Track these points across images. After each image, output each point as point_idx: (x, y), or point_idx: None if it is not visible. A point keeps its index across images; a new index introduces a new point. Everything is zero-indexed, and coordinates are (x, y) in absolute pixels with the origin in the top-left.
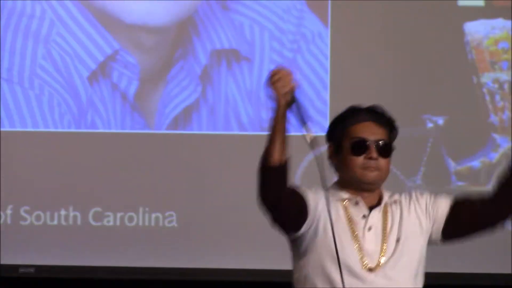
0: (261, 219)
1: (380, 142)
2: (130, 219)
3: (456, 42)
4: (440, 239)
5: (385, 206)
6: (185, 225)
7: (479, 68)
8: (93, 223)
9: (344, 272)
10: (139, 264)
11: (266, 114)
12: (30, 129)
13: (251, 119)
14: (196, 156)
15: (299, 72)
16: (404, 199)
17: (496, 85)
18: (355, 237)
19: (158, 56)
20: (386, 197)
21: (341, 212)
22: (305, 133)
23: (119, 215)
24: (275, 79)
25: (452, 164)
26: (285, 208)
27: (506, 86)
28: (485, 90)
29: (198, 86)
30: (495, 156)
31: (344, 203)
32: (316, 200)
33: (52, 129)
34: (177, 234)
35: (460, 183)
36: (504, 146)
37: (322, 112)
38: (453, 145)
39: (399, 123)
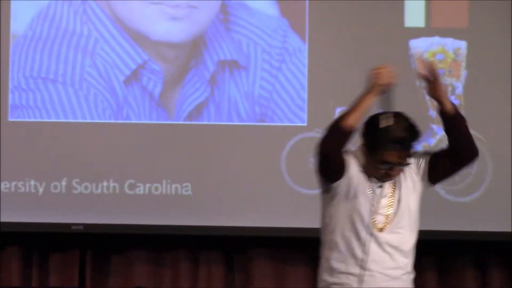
0: (254, 188)
1: (403, 163)
2: (156, 189)
3: (403, 55)
4: (430, 184)
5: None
6: (198, 193)
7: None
8: (128, 191)
9: (364, 227)
10: (163, 223)
11: (258, 109)
12: (80, 120)
13: (247, 113)
14: (206, 141)
15: (283, 77)
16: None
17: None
18: (372, 202)
19: (177, 65)
20: None
21: (365, 179)
22: (382, 120)
23: (147, 185)
24: (378, 71)
25: None
26: (334, 161)
27: (449, 89)
28: (425, 91)
29: (207, 88)
30: (433, 141)
31: (365, 174)
32: (351, 165)
33: (96, 120)
34: (192, 200)
35: None
36: (440, 134)
37: (301, 108)
38: None
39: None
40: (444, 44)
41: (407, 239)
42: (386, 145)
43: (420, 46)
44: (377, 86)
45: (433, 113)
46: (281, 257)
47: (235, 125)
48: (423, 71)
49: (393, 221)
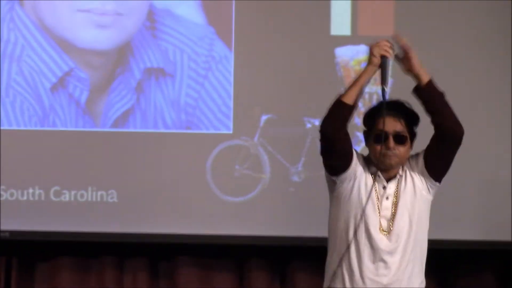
0: (179, 196)
1: (398, 133)
2: (81, 195)
3: (329, 63)
4: (435, 182)
5: (399, 178)
6: (123, 200)
7: (346, 82)
8: (53, 198)
9: (363, 230)
10: (89, 229)
11: (184, 117)
12: (6, 127)
13: (173, 120)
14: (132, 148)
15: (209, 85)
16: (406, 169)
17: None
18: (377, 203)
19: (103, 72)
20: (400, 170)
21: (370, 180)
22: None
23: (73, 192)
24: (376, 44)
25: None
26: (337, 142)
27: (367, 96)
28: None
29: (133, 95)
30: (358, 149)
31: (371, 175)
32: (358, 161)
33: (22, 128)
34: (117, 207)
35: None
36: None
37: (227, 116)
38: None
39: (287, 124)
40: None
41: (408, 245)
42: (377, 114)
43: (346, 54)
44: (374, 57)
45: (358, 120)
46: (206, 264)
47: (161, 132)
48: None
49: (394, 226)
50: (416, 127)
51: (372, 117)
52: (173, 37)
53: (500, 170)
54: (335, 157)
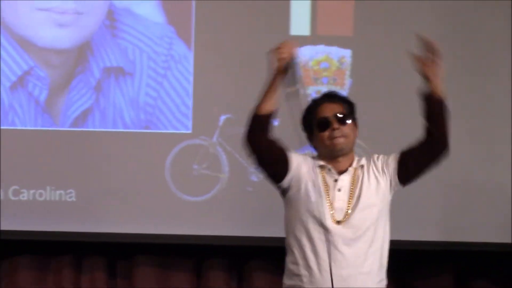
0: (138, 195)
1: (337, 114)
2: (40, 195)
3: None
4: (400, 185)
5: (353, 170)
6: (82, 199)
7: (305, 82)
8: (12, 197)
9: (317, 225)
10: (47, 229)
11: (144, 116)
12: None
13: (132, 120)
14: (91, 147)
15: (169, 84)
16: (367, 163)
17: (318, 95)
18: (327, 196)
19: (63, 71)
20: (354, 163)
21: (319, 176)
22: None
23: (32, 192)
24: (277, 48)
25: None
26: (265, 152)
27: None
28: (309, 99)
29: (93, 95)
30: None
31: (320, 170)
32: (300, 163)
33: None
34: (76, 206)
35: None
36: None
37: (186, 115)
38: (285, 141)
39: (245, 124)
40: (329, 52)
41: (366, 239)
42: (314, 105)
43: (305, 54)
44: (279, 63)
45: None
46: (164, 264)
47: (120, 131)
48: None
49: (351, 217)
50: (355, 113)
51: (308, 116)
52: (133, 36)
53: (463, 172)
54: (270, 167)
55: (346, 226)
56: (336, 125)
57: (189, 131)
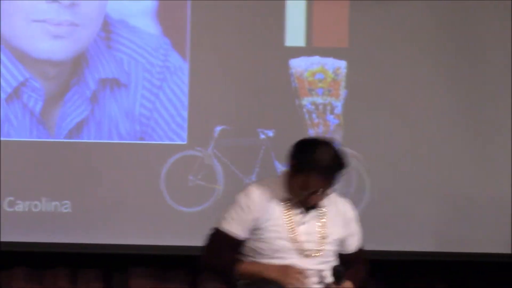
0: (134, 206)
1: (325, 191)
2: (35, 206)
3: (283, 73)
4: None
5: (320, 206)
6: (77, 211)
7: (300, 93)
8: (7, 209)
9: (275, 255)
10: (42, 240)
11: (139, 127)
12: None
13: (128, 131)
14: (86, 159)
15: (164, 96)
16: (339, 201)
17: (313, 106)
18: (291, 231)
19: (58, 83)
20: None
21: (282, 208)
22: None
23: (27, 203)
24: (286, 274)
25: (279, 166)
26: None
27: (321, 107)
28: (305, 110)
29: (88, 106)
30: None
31: (285, 202)
32: (259, 212)
33: None
34: (71, 218)
35: None
36: None
37: (182, 126)
38: (280, 152)
39: (241, 135)
40: (324, 63)
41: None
42: (310, 171)
43: (300, 65)
44: (285, 282)
45: (312, 132)
46: (160, 275)
47: (115, 143)
48: None
49: (316, 249)
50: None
51: (301, 165)
52: (128, 47)
53: (458, 182)
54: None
55: (312, 261)
56: (316, 198)
57: (185, 142)
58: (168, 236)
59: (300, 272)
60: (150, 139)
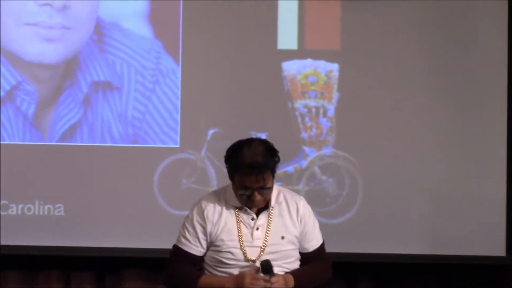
0: (127, 209)
1: (262, 187)
2: (29, 209)
3: (276, 76)
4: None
5: (272, 208)
6: (70, 214)
7: (293, 96)
8: (1, 212)
9: (233, 263)
10: (36, 243)
11: (131, 130)
12: None
13: (120, 134)
14: (79, 162)
15: (156, 99)
16: (290, 200)
17: (306, 109)
18: (244, 236)
19: (51, 86)
20: (273, 200)
21: (234, 216)
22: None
23: (20, 206)
24: (243, 280)
25: None
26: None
27: (314, 110)
28: (297, 113)
29: (81, 109)
30: (305, 163)
31: (235, 210)
32: (202, 231)
33: None
34: (64, 221)
35: (278, 183)
36: (312, 156)
37: (174, 129)
38: None
39: (234, 138)
40: (316, 66)
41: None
42: (240, 170)
43: (292, 68)
44: None
45: (305, 135)
46: (153, 278)
47: (108, 146)
48: None
49: (269, 253)
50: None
51: (234, 167)
52: (120, 50)
53: (450, 184)
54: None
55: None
56: (258, 197)
57: (177, 145)
58: (161, 238)
59: (256, 278)
60: (143, 142)
